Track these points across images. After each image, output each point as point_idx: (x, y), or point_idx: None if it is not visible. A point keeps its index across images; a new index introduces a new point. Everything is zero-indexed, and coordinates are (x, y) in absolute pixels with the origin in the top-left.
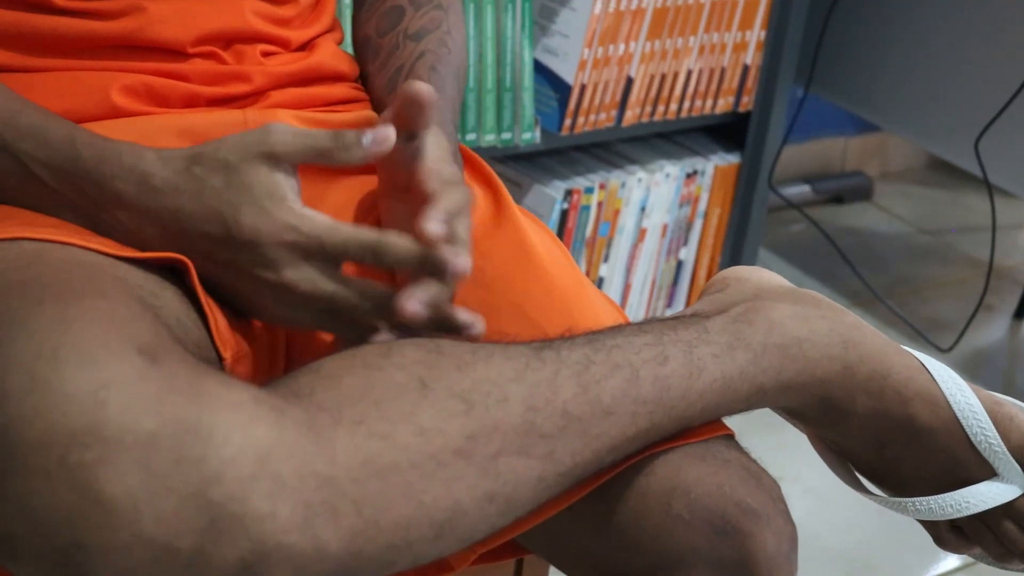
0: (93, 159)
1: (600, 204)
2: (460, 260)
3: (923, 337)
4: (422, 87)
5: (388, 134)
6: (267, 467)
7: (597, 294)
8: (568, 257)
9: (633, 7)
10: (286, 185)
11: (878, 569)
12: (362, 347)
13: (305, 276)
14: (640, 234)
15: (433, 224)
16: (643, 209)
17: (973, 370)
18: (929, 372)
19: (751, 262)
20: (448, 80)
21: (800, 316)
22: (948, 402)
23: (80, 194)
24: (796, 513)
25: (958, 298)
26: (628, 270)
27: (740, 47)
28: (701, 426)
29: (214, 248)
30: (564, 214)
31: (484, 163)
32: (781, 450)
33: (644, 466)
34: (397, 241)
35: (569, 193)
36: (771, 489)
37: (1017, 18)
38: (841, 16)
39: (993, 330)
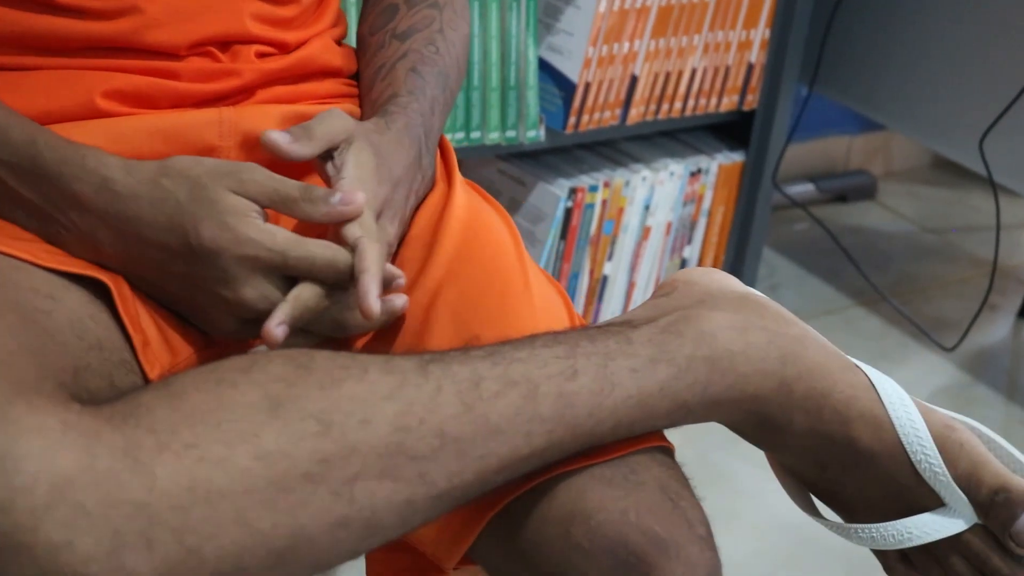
0: (54, 160)
1: (604, 202)
2: (396, 303)
3: (927, 336)
4: (272, 138)
5: (356, 198)
6: (66, 496)
7: (544, 294)
8: (520, 253)
9: (638, 5)
10: (250, 207)
11: (878, 568)
12: (227, 360)
13: (261, 294)
14: (644, 232)
15: (371, 302)
16: (647, 207)
17: (977, 369)
18: (876, 391)
19: (755, 261)
20: (430, 81)
21: (737, 327)
22: (893, 425)
23: (36, 194)
24: (798, 515)
25: (962, 297)
26: (632, 268)
27: (745, 45)
28: (624, 440)
29: (170, 259)
30: (568, 212)
31: (449, 151)
32: None
33: (547, 489)
34: (347, 257)
35: (573, 191)
36: (689, 514)
37: (1022, 17)
38: (845, 15)
39: (997, 329)
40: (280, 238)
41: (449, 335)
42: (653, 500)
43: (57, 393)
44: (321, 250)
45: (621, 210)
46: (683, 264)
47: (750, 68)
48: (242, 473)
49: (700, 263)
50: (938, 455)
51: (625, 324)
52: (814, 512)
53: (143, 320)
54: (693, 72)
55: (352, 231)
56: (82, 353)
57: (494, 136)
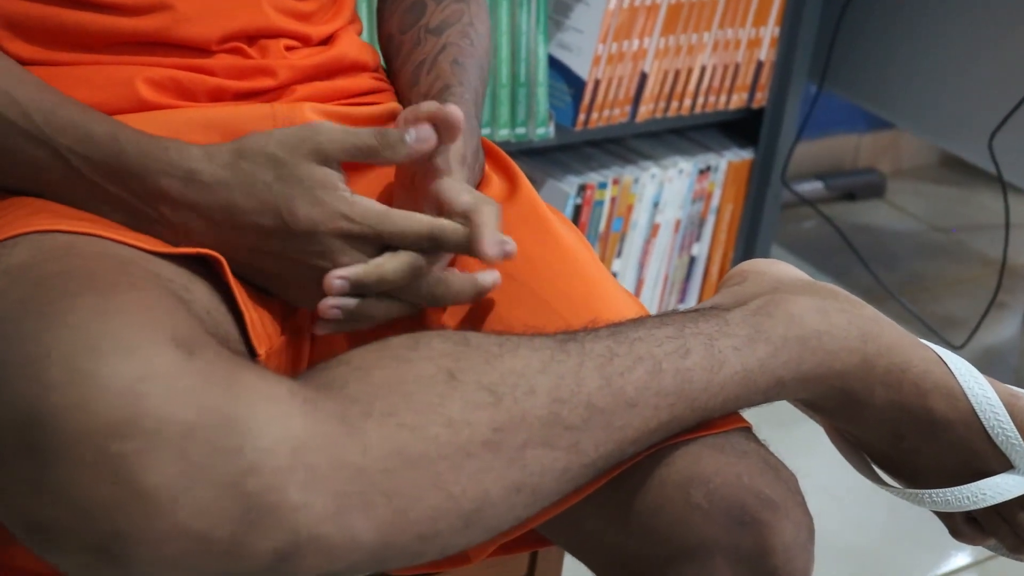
0: (137, 155)
1: (613, 199)
2: (508, 246)
3: (935, 334)
4: (455, 112)
5: (429, 134)
6: (302, 458)
7: (618, 287)
8: (590, 250)
9: (648, 3)
10: (335, 176)
11: (889, 566)
12: (390, 339)
13: (358, 261)
14: (653, 229)
15: (490, 247)
16: (656, 205)
17: (985, 367)
18: (947, 365)
19: (764, 258)
20: (471, 72)
21: (819, 309)
22: (965, 395)
23: (122, 189)
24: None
25: (970, 295)
26: (641, 265)
27: (754, 43)
28: (720, 418)
29: (265, 239)
30: (577, 209)
31: (505, 156)
32: (792, 448)
33: (663, 456)
34: (451, 229)
35: (583, 188)
36: (789, 481)
37: None
38: (855, 13)
39: (1005, 328)
40: (369, 210)
41: (540, 320)
42: (759, 467)
43: (262, 366)
44: (406, 221)
45: (630, 207)
46: (692, 262)
47: (759, 66)
48: (435, 439)
49: (709, 261)
50: (1010, 421)
51: (715, 308)
52: (879, 480)
53: (248, 302)
54: (703, 70)
55: (461, 197)
56: (222, 341)
57: (504, 133)
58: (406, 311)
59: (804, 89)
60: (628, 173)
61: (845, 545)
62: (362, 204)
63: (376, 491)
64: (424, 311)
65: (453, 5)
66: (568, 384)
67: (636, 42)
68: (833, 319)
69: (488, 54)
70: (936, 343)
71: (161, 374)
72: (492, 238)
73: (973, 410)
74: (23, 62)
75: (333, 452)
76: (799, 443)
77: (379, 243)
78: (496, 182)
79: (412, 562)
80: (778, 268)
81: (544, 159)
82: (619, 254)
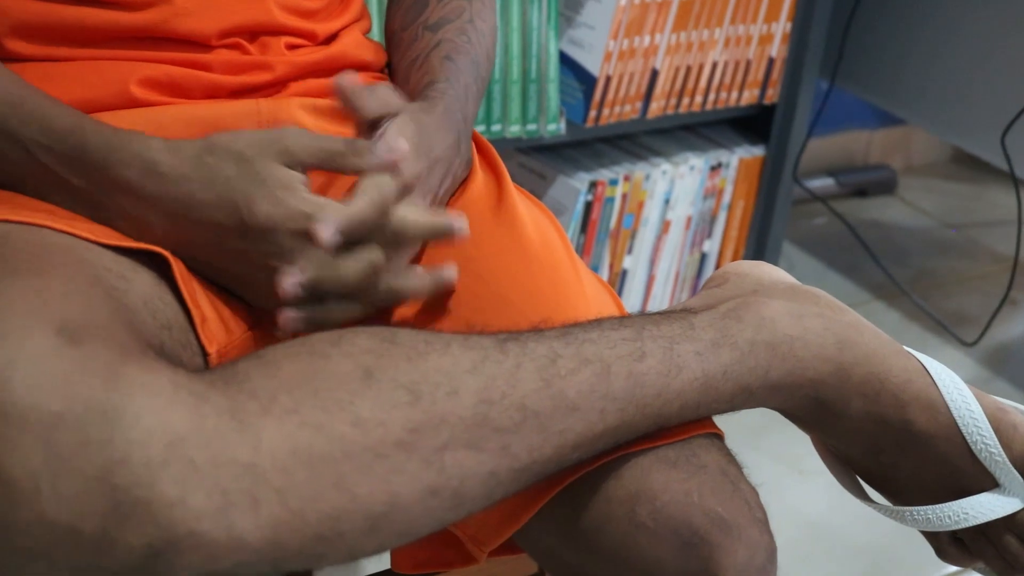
0: (100, 146)
1: (624, 196)
2: (461, 223)
3: (947, 331)
4: (347, 83)
5: (400, 144)
6: (178, 452)
7: (594, 287)
8: (568, 249)
9: None
10: (298, 178)
11: (902, 562)
12: (314, 335)
13: (317, 262)
14: (664, 226)
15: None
16: (667, 201)
17: (997, 365)
18: (930, 375)
19: (775, 255)
20: (463, 68)
21: (794, 313)
22: (948, 407)
23: (84, 180)
24: (819, 507)
25: (982, 292)
26: (652, 262)
27: (766, 39)
28: (684, 425)
29: (224, 237)
30: (588, 206)
31: (493, 151)
32: (802, 446)
33: (612, 469)
34: (411, 216)
35: (594, 185)
36: (748, 498)
37: None
38: (867, 9)
39: (1018, 325)
40: (330, 209)
41: (502, 318)
42: (715, 483)
43: (160, 357)
44: (367, 212)
45: (641, 204)
46: (703, 258)
47: (771, 62)
48: (340, 439)
49: (720, 257)
50: (994, 436)
51: (685, 311)
52: (863, 495)
53: (199, 298)
54: (714, 66)
55: (370, 107)
56: (157, 331)
57: (515, 129)
58: (365, 312)
59: (816, 85)
60: (639, 169)
61: (854, 542)
62: (322, 203)
63: (266, 489)
64: (386, 310)
65: (454, 2)
66: (500, 385)
67: (647, 38)
68: (808, 324)
69: (490, 51)
70: (948, 340)
71: (31, 360)
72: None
73: (955, 424)
74: (21, 59)
75: (217, 448)
76: (807, 439)
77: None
78: (481, 177)
79: (315, 563)
80: (762, 270)
81: (555, 155)
82: (630, 251)
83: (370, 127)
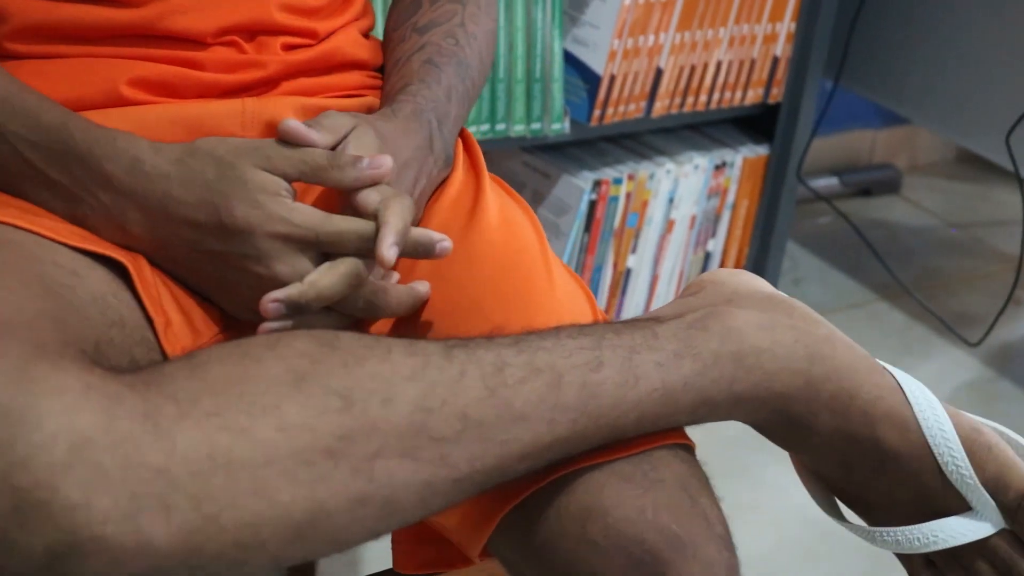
0: (85, 142)
1: (628, 195)
2: (445, 244)
3: (951, 331)
4: (292, 126)
5: (384, 161)
6: (84, 455)
7: (568, 290)
8: (543, 248)
9: None
10: (280, 184)
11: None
12: (251, 337)
13: (294, 270)
14: (668, 225)
15: (387, 250)
16: (671, 200)
17: (1001, 365)
18: (904, 393)
19: (779, 254)
20: (445, 70)
21: (764, 325)
22: (920, 426)
23: (65, 175)
24: (816, 508)
25: (987, 292)
26: (656, 261)
27: (770, 39)
28: (646, 436)
29: (201, 237)
30: (592, 205)
31: (478, 150)
32: None
33: (566, 483)
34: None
35: (598, 184)
36: (708, 512)
37: None
38: (871, 8)
39: (1022, 324)
40: (309, 214)
41: (472, 325)
42: (671, 498)
43: (79, 358)
44: (348, 224)
45: (645, 203)
46: (707, 258)
47: (775, 61)
48: (263, 444)
49: (724, 257)
50: (966, 458)
51: (651, 320)
52: (838, 515)
53: (165, 301)
54: (718, 65)
55: (370, 197)
56: (104, 328)
57: (519, 128)
58: (344, 324)
59: (820, 85)
60: (643, 169)
61: (857, 542)
62: (302, 208)
63: (179, 494)
64: (360, 321)
65: (447, 5)
66: (439, 393)
67: (652, 37)
68: (778, 336)
69: (483, 54)
70: (952, 340)
71: None
72: (391, 239)
73: (927, 443)
74: (16, 56)
75: (127, 451)
76: None
77: (317, 248)
78: (460, 179)
79: (238, 570)
80: (739, 279)
81: (559, 154)
82: (634, 250)
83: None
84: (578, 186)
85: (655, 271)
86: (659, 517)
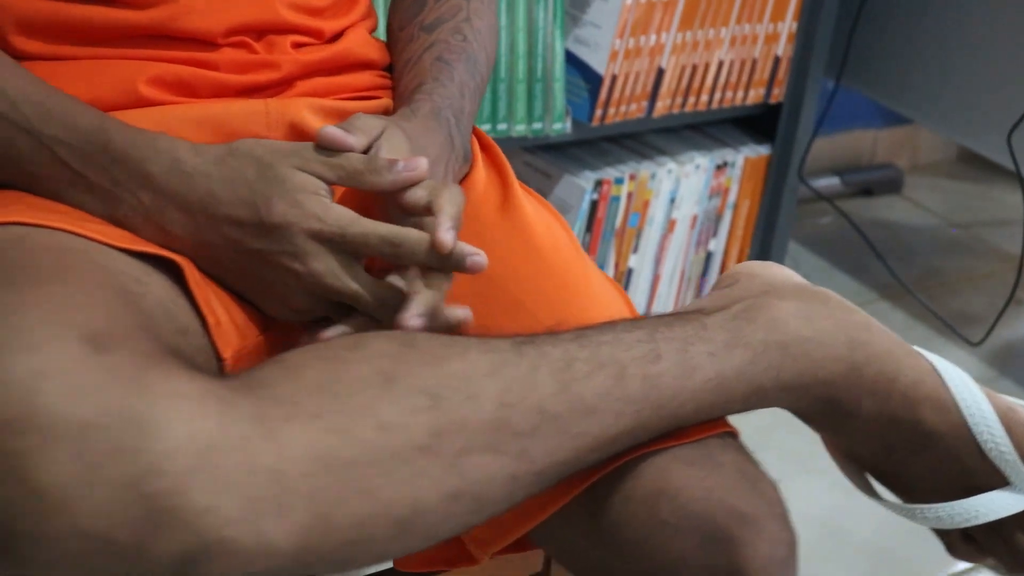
0: (124, 143)
1: (630, 195)
2: (478, 258)
3: (952, 330)
4: (331, 132)
5: (420, 163)
6: (208, 460)
7: (604, 287)
8: (576, 248)
9: None
10: (319, 184)
11: (906, 562)
12: (334, 340)
13: (329, 268)
14: (670, 225)
15: (445, 233)
16: (673, 200)
17: (1003, 364)
18: (940, 375)
19: (780, 254)
20: (457, 67)
21: (805, 314)
22: (958, 406)
23: (105, 177)
24: (824, 507)
25: (988, 292)
26: (657, 261)
27: (772, 38)
28: (698, 426)
29: (241, 235)
30: (594, 204)
31: (498, 150)
32: (809, 444)
33: (631, 468)
34: (415, 236)
35: (599, 184)
36: (768, 494)
37: None
38: (873, 8)
39: (1023, 324)
40: (340, 214)
41: (512, 321)
42: (734, 480)
43: (183, 364)
44: (374, 227)
45: (647, 203)
46: (708, 257)
47: (777, 61)
48: (364, 444)
49: (725, 256)
50: (1004, 434)
51: (696, 312)
52: (873, 493)
53: (213, 302)
54: (720, 65)
55: (417, 194)
56: (173, 336)
57: (520, 128)
58: (375, 327)
59: (821, 84)
60: (645, 168)
61: (861, 542)
62: (335, 208)
63: (294, 496)
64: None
65: (452, 1)
66: (518, 389)
67: (653, 37)
68: (819, 325)
69: (489, 50)
70: (953, 339)
71: (60, 370)
72: (447, 224)
73: (966, 423)
74: (27, 57)
75: (245, 454)
76: (816, 440)
77: (344, 248)
78: (483, 175)
79: (344, 568)
80: (772, 271)
81: (561, 154)
82: (635, 250)
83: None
84: (579, 186)
85: (656, 271)
86: (726, 497)
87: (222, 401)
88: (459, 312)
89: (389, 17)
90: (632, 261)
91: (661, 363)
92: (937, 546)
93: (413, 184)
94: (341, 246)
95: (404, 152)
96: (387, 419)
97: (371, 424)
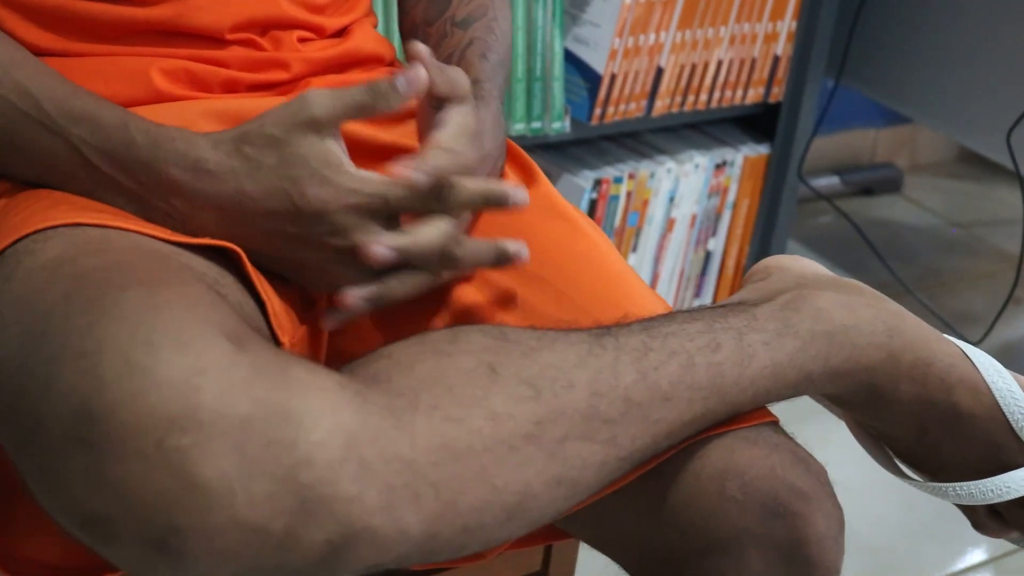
0: (147, 145)
1: (629, 194)
2: (520, 193)
3: (952, 330)
4: (419, 48)
5: (419, 74)
6: (353, 450)
7: (641, 283)
8: (611, 246)
9: None
10: (338, 152)
11: (906, 562)
12: (429, 334)
13: (371, 238)
14: (669, 224)
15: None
16: (672, 199)
17: (1002, 363)
18: (970, 359)
19: (779, 253)
20: (497, 68)
21: (845, 304)
22: (990, 388)
23: (133, 181)
24: None
25: (987, 291)
26: (656, 260)
27: (771, 37)
28: (750, 412)
29: (279, 223)
30: (593, 204)
31: (525, 155)
32: (808, 443)
33: (697, 449)
34: (458, 182)
35: (598, 183)
36: (819, 474)
37: None
38: (872, 7)
39: (1022, 323)
40: (377, 182)
41: (561, 314)
42: (790, 459)
43: (306, 359)
44: (411, 182)
45: (646, 202)
46: (708, 257)
47: (776, 60)
48: (478, 433)
49: (725, 256)
50: None
51: (741, 303)
52: (899, 472)
53: (268, 290)
54: (719, 64)
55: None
56: (255, 331)
57: (519, 127)
58: (428, 283)
59: (821, 84)
60: (644, 167)
61: (862, 541)
62: (368, 177)
63: (424, 483)
64: (454, 305)
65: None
66: (605, 378)
67: (652, 36)
68: (860, 314)
69: (510, 50)
70: (953, 338)
71: (216, 367)
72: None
73: (997, 404)
74: (38, 52)
75: (383, 444)
76: (815, 438)
77: (387, 211)
78: (512, 180)
79: (456, 554)
80: (801, 264)
81: (560, 153)
82: (635, 249)
83: (435, 106)
84: (579, 185)
85: (656, 270)
86: (787, 475)
87: (358, 394)
88: (511, 245)
89: (407, 12)
90: (631, 260)
91: (721, 352)
92: (937, 546)
93: (423, 95)
94: (384, 211)
95: (467, 135)
96: (497, 409)
97: (483, 414)
